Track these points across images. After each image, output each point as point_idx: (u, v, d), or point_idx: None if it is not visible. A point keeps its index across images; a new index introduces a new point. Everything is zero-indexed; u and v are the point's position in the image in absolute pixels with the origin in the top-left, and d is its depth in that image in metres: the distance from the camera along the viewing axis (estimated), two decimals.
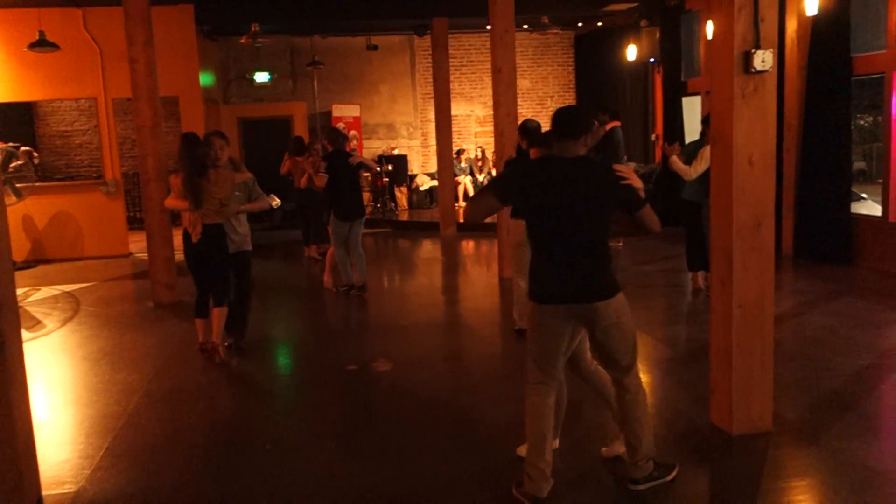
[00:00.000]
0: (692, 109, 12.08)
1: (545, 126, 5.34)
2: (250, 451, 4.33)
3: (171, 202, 5.94)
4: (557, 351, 3.53)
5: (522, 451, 4.01)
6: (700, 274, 7.63)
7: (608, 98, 14.78)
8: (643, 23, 13.32)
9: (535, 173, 3.50)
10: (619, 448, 3.92)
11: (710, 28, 10.64)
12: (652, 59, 13.60)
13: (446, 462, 4.08)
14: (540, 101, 16.91)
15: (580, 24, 15.76)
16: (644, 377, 5.36)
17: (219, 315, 5.96)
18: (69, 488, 3.91)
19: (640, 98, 14.27)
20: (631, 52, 13.86)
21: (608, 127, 10.43)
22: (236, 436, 4.64)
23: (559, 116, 3.52)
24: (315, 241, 10.71)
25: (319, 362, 6.15)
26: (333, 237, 8.20)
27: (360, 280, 8.32)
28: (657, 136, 13.58)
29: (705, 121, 7.35)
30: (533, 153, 4.37)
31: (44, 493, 3.84)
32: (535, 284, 3.52)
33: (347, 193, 8.13)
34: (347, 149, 8.51)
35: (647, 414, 3.65)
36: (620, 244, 10.51)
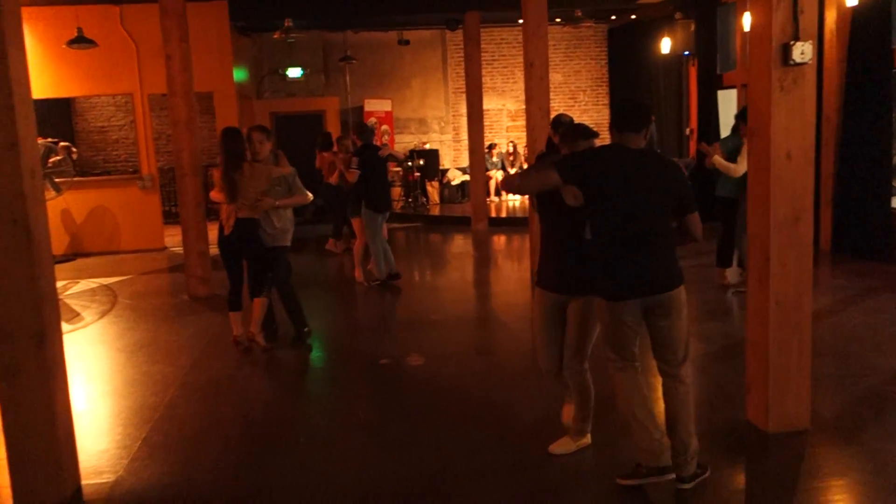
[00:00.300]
0: (728, 103, 11.91)
1: (577, 120, 5.30)
2: (284, 443, 4.37)
3: (214, 195, 6.01)
4: (631, 340, 3.56)
5: (556, 448, 4.00)
6: (729, 270, 7.56)
7: (641, 92, 14.64)
8: (678, 15, 13.17)
9: (604, 159, 3.44)
10: (569, 445, 3.98)
11: (747, 20, 10.49)
12: (686, 52, 13.44)
13: (479, 455, 4.08)
14: (572, 95, 16.81)
15: (613, 17, 15.63)
16: None
17: (257, 306, 6.03)
18: (107, 478, 3.99)
19: (675, 92, 14.11)
20: (665, 45, 13.71)
21: None
22: (270, 428, 4.68)
23: (623, 108, 3.49)
24: (334, 236, 10.77)
25: (352, 356, 6.19)
26: (367, 230, 8.25)
27: (392, 268, 8.41)
28: (692, 131, 13.42)
29: (740, 115, 7.25)
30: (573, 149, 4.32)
31: (83, 482, 3.91)
32: (608, 281, 3.48)
33: (381, 186, 8.23)
34: (378, 142, 8.58)
35: (694, 411, 3.62)
36: None
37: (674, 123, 14.20)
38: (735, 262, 7.65)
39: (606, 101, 16.79)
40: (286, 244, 6.18)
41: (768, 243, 4.00)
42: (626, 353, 3.58)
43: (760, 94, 3.98)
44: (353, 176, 8.05)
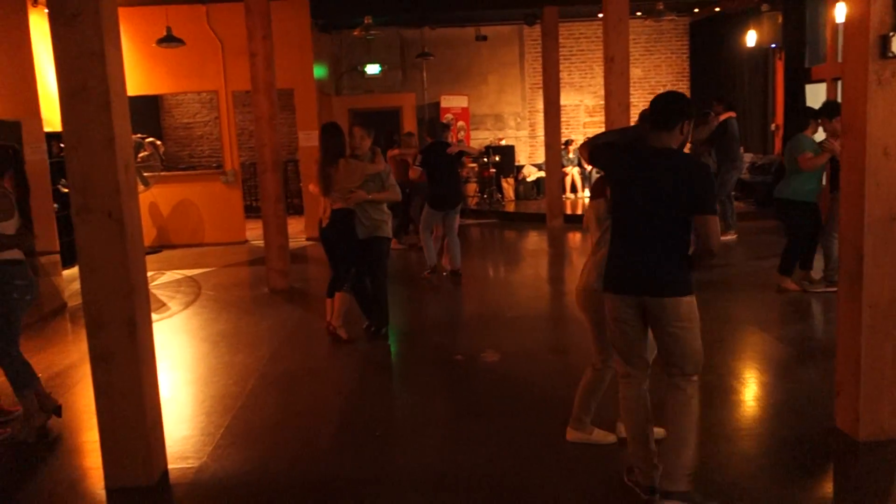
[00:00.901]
0: (816, 98, 11.47)
1: None
2: (360, 435, 4.42)
3: (312, 187, 6.31)
4: (631, 341, 3.45)
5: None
6: (791, 279, 7.28)
7: (724, 87, 14.25)
8: (764, 7, 12.74)
9: (616, 157, 3.49)
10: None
11: (839, 10, 10.07)
12: (773, 45, 13.00)
13: (554, 451, 4.05)
14: (652, 91, 16.43)
15: (696, 10, 15.25)
16: (761, 376, 5.17)
17: (337, 300, 6.19)
18: (192, 463, 4.12)
19: (760, 86, 13.67)
20: (750, 38, 13.29)
21: (722, 118, 10.08)
22: (346, 420, 4.76)
23: (656, 104, 3.36)
24: (395, 235, 10.81)
25: (427, 351, 6.22)
26: (422, 222, 8.66)
27: (454, 265, 8.63)
28: (777, 126, 12.99)
29: (815, 113, 7.04)
30: None
31: (169, 466, 4.05)
32: (608, 272, 3.49)
33: (442, 183, 8.40)
34: (452, 139, 8.70)
35: (695, 425, 3.34)
36: (734, 237, 10.16)
37: (758, 119, 13.76)
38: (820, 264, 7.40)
39: (687, 96, 16.40)
40: (385, 235, 6.30)
41: (862, 243, 3.84)
42: (626, 357, 3.47)
43: (855, 88, 3.82)
44: (416, 173, 8.36)
